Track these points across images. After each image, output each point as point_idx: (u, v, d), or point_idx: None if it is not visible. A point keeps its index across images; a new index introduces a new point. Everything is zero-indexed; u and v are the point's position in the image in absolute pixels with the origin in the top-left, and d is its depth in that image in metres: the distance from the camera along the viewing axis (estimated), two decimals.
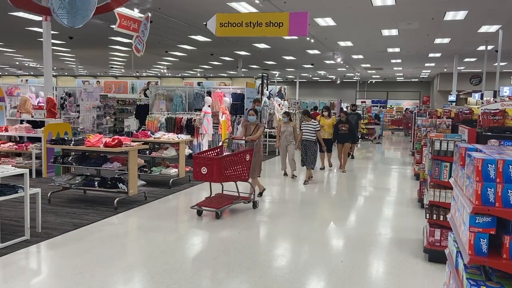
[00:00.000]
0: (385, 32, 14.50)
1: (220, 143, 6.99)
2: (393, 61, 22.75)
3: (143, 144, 7.48)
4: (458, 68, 21.05)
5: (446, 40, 15.81)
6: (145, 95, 16.86)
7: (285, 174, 9.71)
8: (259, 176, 7.32)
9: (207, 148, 10.67)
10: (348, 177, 10.13)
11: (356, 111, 15.44)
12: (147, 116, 11.42)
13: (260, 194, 7.44)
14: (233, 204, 6.47)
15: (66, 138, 7.16)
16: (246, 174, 6.50)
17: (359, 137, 17.03)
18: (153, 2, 11.25)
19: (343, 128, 10.60)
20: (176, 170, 8.25)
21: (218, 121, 11.19)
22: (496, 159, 2.10)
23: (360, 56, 21.11)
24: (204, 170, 6.08)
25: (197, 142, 10.83)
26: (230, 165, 6.27)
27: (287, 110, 12.81)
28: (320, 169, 10.76)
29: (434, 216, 4.58)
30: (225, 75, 29.17)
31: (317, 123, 9.24)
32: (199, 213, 6.20)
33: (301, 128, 9.18)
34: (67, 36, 16.31)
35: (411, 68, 26.82)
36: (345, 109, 15.44)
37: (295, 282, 3.99)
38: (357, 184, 9.30)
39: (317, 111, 17.90)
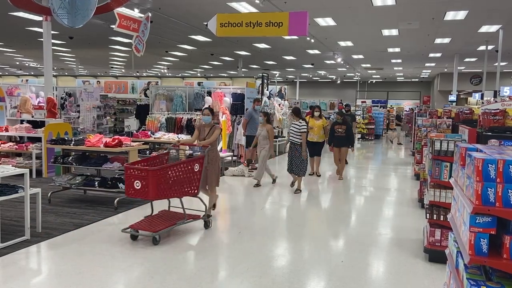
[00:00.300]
0: (386, 32, 14.50)
1: (166, 150, 5.94)
2: (393, 61, 22.74)
3: (143, 144, 7.49)
4: (458, 68, 21.04)
5: (447, 40, 15.81)
6: (145, 95, 16.86)
7: (257, 185, 8.49)
8: (217, 186, 6.14)
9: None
10: (344, 182, 10.11)
11: (350, 112, 15.12)
12: (147, 116, 11.43)
13: (214, 207, 6.32)
14: (176, 226, 5.23)
15: (66, 138, 7.17)
16: (195, 188, 5.43)
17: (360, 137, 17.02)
18: (153, 2, 11.25)
19: (340, 130, 9.52)
20: None
21: (218, 121, 11.18)
22: (496, 159, 2.10)
23: (361, 56, 21.10)
24: (137, 184, 4.86)
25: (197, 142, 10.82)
26: (172, 178, 5.10)
27: (267, 110, 11.63)
28: (309, 174, 9.74)
29: (435, 216, 4.58)
30: (225, 75, 29.17)
31: (304, 123, 8.06)
32: (134, 237, 5.02)
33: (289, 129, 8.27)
34: (67, 36, 16.31)
35: (412, 68, 26.82)
36: (337, 110, 15.30)
37: (296, 282, 3.98)
38: (356, 185, 9.30)
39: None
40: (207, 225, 5.60)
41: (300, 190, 8.00)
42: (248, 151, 10.41)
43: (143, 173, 4.88)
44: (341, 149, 9.58)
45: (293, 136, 7.99)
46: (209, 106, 8.77)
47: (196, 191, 5.47)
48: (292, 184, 8.34)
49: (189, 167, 5.32)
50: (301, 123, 7.94)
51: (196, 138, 6.14)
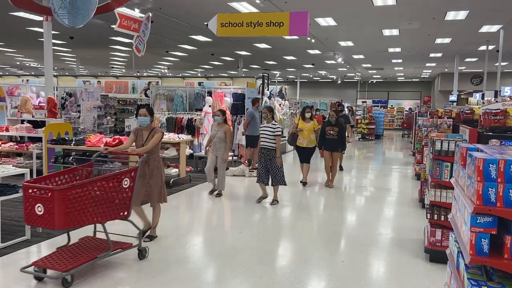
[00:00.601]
0: (386, 32, 14.49)
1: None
2: (394, 61, 22.73)
3: None
4: (459, 68, 21.03)
5: (447, 40, 15.80)
6: (146, 95, 16.87)
7: (211, 192, 7.70)
8: (162, 202, 5.12)
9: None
10: (344, 182, 10.10)
11: (344, 113, 13.96)
12: None
13: (146, 235, 5.11)
14: (97, 260, 4.08)
15: (66, 138, 7.18)
16: (124, 209, 4.33)
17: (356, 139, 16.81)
18: (154, 2, 11.25)
19: (331, 132, 8.50)
20: (177, 170, 8.25)
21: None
22: (497, 159, 2.09)
23: (361, 56, 21.10)
24: (39, 209, 3.63)
25: (198, 142, 10.83)
26: (88, 199, 3.91)
27: (222, 107, 10.42)
28: (301, 182, 8.83)
29: (435, 216, 4.58)
30: (225, 75, 29.18)
31: (279, 125, 6.99)
32: (39, 279, 3.86)
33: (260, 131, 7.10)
34: (68, 36, 16.31)
35: (412, 68, 26.80)
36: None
37: (296, 282, 3.98)
38: (357, 185, 9.29)
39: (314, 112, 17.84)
40: (142, 254, 4.47)
41: (277, 201, 7.07)
42: (248, 150, 10.41)
43: (46, 195, 3.65)
44: (333, 153, 8.59)
45: (265, 141, 6.87)
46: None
47: (126, 213, 4.36)
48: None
49: (115, 183, 4.18)
50: (274, 125, 6.92)
51: (131, 143, 5.14)
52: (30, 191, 3.69)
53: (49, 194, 3.64)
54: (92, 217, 4.02)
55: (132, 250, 4.43)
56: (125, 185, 4.28)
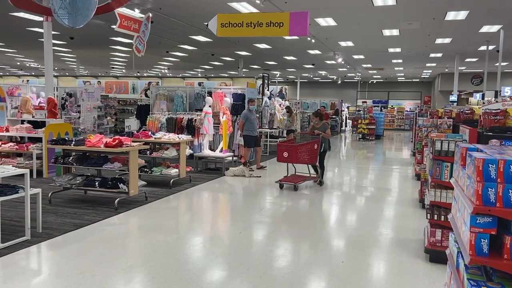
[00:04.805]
0: (386, 32, 14.49)
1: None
2: (394, 61, 22.73)
3: (143, 144, 7.48)
4: (459, 68, 21.04)
5: (447, 40, 15.80)
6: (146, 95, 16.88)
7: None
8: None
9: (207, 148, 10.68)
10: (344, 182, 10.08)
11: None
12: (148, 116, 11.42)
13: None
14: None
15: (66, 139, 7.16)
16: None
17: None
18: (154, 2, 11.26)
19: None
20: (177, 170, 8.25)
21: (219, 121, 11.19)
22: (497, 159, 2.09)
23: (361, 56, 21.10)
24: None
25: (198, 142, 10.83)
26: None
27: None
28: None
29: (435, 216, 4.57)
30: (226, 75, 29.18)
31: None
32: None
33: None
34: (68, 37, 16.33)
35: (412, 68, 26.80)
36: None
37: (296, 282, 3.98)
38: (357, 185, 9.28)
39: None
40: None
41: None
42: (246, 150, 10.40)
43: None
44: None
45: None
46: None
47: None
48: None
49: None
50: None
51: None
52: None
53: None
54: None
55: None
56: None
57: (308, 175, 8.68)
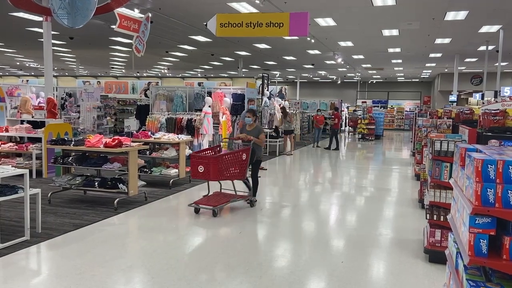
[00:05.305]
0: (386, 32, 14.49)
1: None
2: (393, 61, 22.73)
3: (143, 144, 7.48)
4: (459, 68, 21.03)
5: (447, 40, 15.80)
6: (146, 95, 16.86)
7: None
8: None
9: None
10: (344, 182, 10.08)
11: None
12: (148, 116, 11.42)
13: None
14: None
15: (66, 139, 7.16)
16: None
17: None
18: (154, 2, 11.25)
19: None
20: (177, 170, 8.25)
21: (218, 121, 11.19)
22: (496, 160, 2.09)
23: (361, 56, 21.10)
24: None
25: (198, 142, 10.83)
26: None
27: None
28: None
29: (435, 216, 4.58)
30: (225, 75, 29.17)
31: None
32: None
33: None
34: (68, 37, 16.32)
35: (412, 68, 26.80)
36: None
37: (295, 283, 3.98)
38: (356, 185, 9.29)
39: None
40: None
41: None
42: None
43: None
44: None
45: None
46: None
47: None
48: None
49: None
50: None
51: None
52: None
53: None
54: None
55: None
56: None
57: (241, 192, 6.98)
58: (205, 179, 6.54)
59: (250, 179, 6.97)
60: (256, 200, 7.06)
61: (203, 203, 6.38)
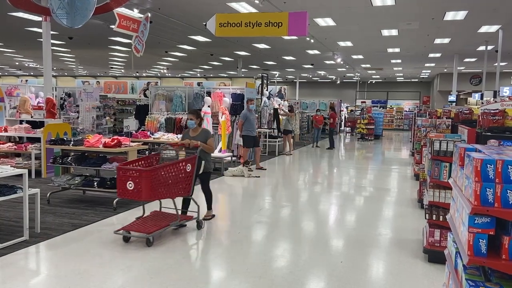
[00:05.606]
0: (385, 32, 14.50)
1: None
2: (393, 61, 22.74)
3: (142, 144, 7.48)
4: (458, 68, 21.04)
5: (446, 40, 15.81)
6: (145, 95, 16.86)
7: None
8: None
9: None
10: (343, 181, 10.08)
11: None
12: (147, 116, 11.42)
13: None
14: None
15: (65, 139, 7.16)
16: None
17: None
18: (153, 2, 11.25)
19: None
20: None
21: (217, 121, 11.19)
22: (495, 159, 2.09)
23: (360, 56, 21.10)
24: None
25: None
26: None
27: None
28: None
29: (434, 216, 4.58)
30: (225, 75, 29.16)
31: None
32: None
33: None
34: (67, 37, 16.31)
35: (411, 68, 26.81)
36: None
37: (295, 283, 3.98)
38: (356, 185, 9.29)
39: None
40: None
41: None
42: (245, 150, 10.40)
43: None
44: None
45: None
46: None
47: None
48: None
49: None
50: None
51: None
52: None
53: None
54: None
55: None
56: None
57: (182, 212, 5.60)
58: (136, 199, 5.12)
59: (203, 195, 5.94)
60: (213, 216, 6.07)
61: (134, 229, 4.94)
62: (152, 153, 6.85)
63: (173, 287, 3.83)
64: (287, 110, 14.93)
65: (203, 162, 5.64)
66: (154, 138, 8.39)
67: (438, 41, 15.92)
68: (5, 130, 9.22)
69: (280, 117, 14.61)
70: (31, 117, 10.31)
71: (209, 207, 6.08)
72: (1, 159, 8.90)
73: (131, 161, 5.57)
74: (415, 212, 6.75)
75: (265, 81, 14.37)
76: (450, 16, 11.82)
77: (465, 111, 6.37)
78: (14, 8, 10.46)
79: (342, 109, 26.88)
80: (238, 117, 11.45)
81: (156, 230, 4.94)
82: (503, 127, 4.15)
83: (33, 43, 17.82)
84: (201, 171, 5.65)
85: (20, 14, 12.77)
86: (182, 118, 10.87)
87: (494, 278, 2.14)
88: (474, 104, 20.72)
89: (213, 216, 6.13)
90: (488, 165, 2.09)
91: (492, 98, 14.57)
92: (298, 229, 5.81)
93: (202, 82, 18.38)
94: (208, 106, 10.87)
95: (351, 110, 25.85)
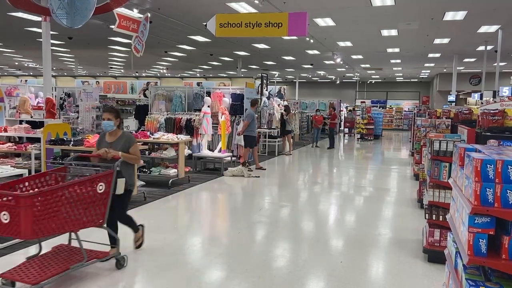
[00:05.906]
0: (385, 32, 14.50)
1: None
2: (392, 61, 22.75)
3: (142, 144, 7.48)
4: (457, 68, 21.05)
5: (446, 40, 15.81)
6: (145, 95, 16.85)
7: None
8: None
9: (206, 148, 10.67)
10: (343, 181, 10.09)
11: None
12: (147, 116, 11.41)
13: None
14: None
15: (65, 139, 7.17)
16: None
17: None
18: (153, 2, 11.25)
19: None
20: (176, 170, 8.25)
21: (217, 121, 11.19)
22: (495, 159, 2.09)
23: (360, 56, 21.11)
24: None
25: (197, 142, 10.82)
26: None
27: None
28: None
29: (434, 216, 4.58)
30: (224, 75, 29.15)
31: None
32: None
33: None
34: (67, 37, 16.30)
35: (411, 68, 26.82)
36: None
37: (294, 283, 3.98)
38: (355, 185, 9.30)
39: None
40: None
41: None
42: (246, 150, 10.40)
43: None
44: None
45: None
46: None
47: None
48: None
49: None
50: None
51: None
52: None
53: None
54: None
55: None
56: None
57: (95, 249, 4.15)
58: (14, 237, 3.70)
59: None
60: (142, 242, 4.73)
61: (17, 277, 3.50)
62: (57, 166, 5.11)
63: (174, 286, 3.82)
64: (283, 111, 14.91)
65: (123, 179, 4.14)
66: (154, 138, 8.39)
67: (437, 41, 15.93)
68: (5, 130, 9.21)
69: (279, 117, 14.61)
70: (31, 117, 10.30)
71: (135, 229, 4.66)
72: (1, 159, 8.90)
73: (20, 179, 4.02)
74: (415, 212, 6.75)
75: (264, 81, 14.37)
76: (449, 16, 11.82)
77: (464, 111, 6.38)
78: (14, 8, 10.45)
79: (341, 109, 26.88)
80: (238, 117, 11.46)
81: (47, 277, 3.48)
82: (502, 127, 4.15)
83: (33, 43, 17.82)
84: (120, 192, 4.12)
85: (20, 14, 12.77)
86: (181, 118, 10.87)
87: (494, 277, 2.14)
88: (473, 104, 20.75)
89: (141, 242, 4.76)
90: (488, 165, 2.09)
91: (492, 98, 14.59)
92: (298, 229, 5.81)
93: (201, 82, 18.40)
94: (208, 106, 10.86)
95: (349, 110, 25.76)
